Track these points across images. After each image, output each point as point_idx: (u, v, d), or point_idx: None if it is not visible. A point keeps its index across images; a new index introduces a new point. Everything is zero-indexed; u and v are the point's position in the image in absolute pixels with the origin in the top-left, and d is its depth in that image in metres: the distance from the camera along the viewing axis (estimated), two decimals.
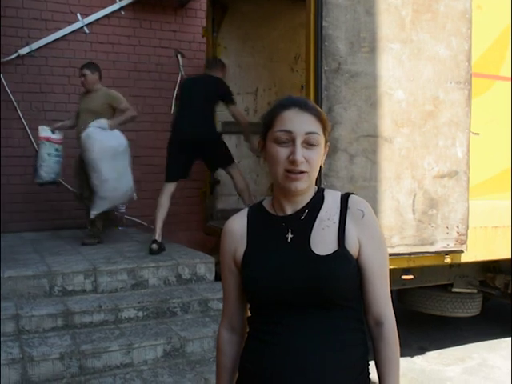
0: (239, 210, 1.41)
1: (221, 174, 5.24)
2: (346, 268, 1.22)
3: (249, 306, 1.33)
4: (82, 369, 2.81)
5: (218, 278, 3.79)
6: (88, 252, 4.06)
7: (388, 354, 1.27)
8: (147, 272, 3.64)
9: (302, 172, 1.21)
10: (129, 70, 5.80)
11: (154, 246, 4.02)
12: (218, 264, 3.54)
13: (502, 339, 4.57)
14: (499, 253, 3.73)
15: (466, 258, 3.53)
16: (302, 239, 1.25)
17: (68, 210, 5.29)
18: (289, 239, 1.26)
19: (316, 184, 1.32)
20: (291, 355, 1.20)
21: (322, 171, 2.99)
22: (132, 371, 2.91)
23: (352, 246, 1.24)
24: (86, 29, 5.60)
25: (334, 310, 1.22)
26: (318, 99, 3.03)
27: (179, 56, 5.97)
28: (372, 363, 1.27)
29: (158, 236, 4.14)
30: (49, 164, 4.62)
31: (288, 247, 1.25)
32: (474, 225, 3.46)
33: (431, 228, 3.31)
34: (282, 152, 1.21)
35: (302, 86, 5.25)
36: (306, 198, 1.29)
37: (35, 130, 4.88)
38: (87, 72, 4.48)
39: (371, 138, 3.17)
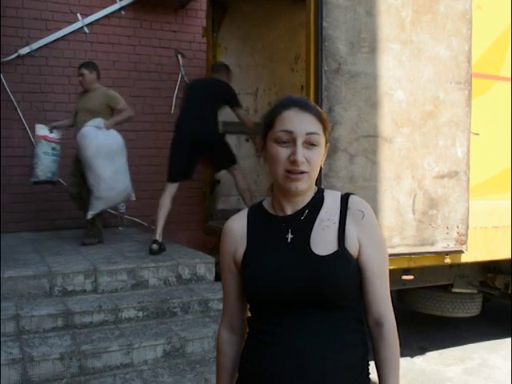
0: (239, 210, 1.41)
1: (221, 174, 5.25)
2: (345, 268, 1.22)
3: (249, 306, 1.33)
4: (82, 369, 2.81)
5: (218, 278, 3.79)
6: (88, 252, 4.06)
7: (388, 354, 1.27)
8: (147, 272, 3.64)
9: (302, 172, 1.21)
10: (129, 70, 5.81)
11: (155, 246, 4.02)
12: (218, 264, 3.54)
13: (502, 339, 4.56)
14: (499, 253, 3.73)
15: (466, 258, 3.53)
16: (302, 239, 1.25)
17: (68, 210, 5.29)
18: (289, 239, 1.26)
19: (316, 184, 1.32)
20: (291, 356, 1.20)
21: (323, 171, 2.99)
22: (132, 371, 2.91)
23: (352, 247, 1.24)
24: (86, 29, 5.60)
25: (334, 311, 1.22)
26: (318, 99, 3.03)
27: (179, 56, 5.98)
28: (372, 363, 1.27)
29: (158, 236, 4.14)
30: (45, 163, 4.59)
31: (288, 247, 1.25)
32: (474, 225, 3.46)
33: (431, 228, 3.31)
34: (283, 152, 1.21)
35: (302, 87, 5.25)
36: (306, 198, 1.29)
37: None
38: (85, 71, 4.48)
39: (371, 138, 3.17)
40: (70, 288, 3.42)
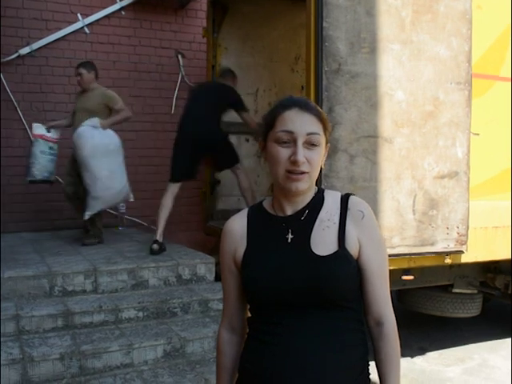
0: (239, 210, 1.41)
1: (221, 174, 5.26)
2: (346, 268, 1.22)
3: (249, 306, 1.33)
4: (82, 369, 2.81)
5: (218, 278, 3.79)
6: (88, 252, 4.06)
7: (389, 353, 1.27)
8: (147, 272, 3.65)
9: (303, 172, 1.21)
10: (129, 71, 5.81)
11: (155, 246, 4.02)
12: (218, 264, 3.54)
13: (503, 340, 4.56)
14: (499, 253, 3.73)
15: (466, 258, 3.53)
16: (302, 239, 1.25)
17: (68, 210, 5.28)
18: (289, 239, 1.26)
19: (316, 184, 1.32)
20: (291, 356, 1.20)
21: (323, 172, 2.99)
22: (132, 371, 2.91)
23: (352, 247, 1.24)
24: (86, 29, 5.60)
25: (334, 311, 1.22)
26: (319, 100, 3.03)
27: (179, 56, 5.98)
28: (372, 363, 1.27)
29: (159, 236, 4.14)
30: (42, 162, 4.57)
31: (288, 247, 1.25)
32: (474, 225, 3.46)
33: (431, 228, 3.31)
34: (283, 152, 1.21)
35: (302, 87, 5.26)
36: (307, 198, 1.29)
37: None
38: (83, 71, 4.47)
39: (371, 139, 3.17)
40: (70, 288, 3.42)
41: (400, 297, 4.53)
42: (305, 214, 1.28)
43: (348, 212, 1.27)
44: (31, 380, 2.71)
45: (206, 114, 4.27)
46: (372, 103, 3.15)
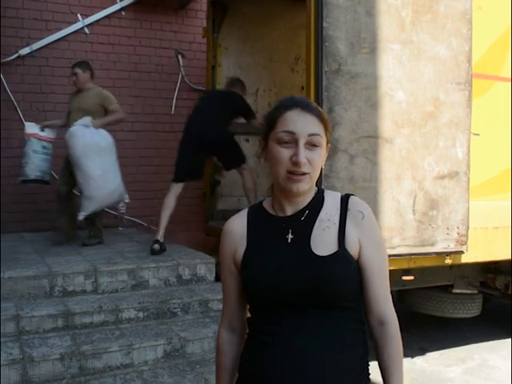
0: (240, 210, 1.41)
1: (222, 174, 5.26)
2: (346, 269, 1.22)
3: (248, 306, 1.33)
4: (83, 369, 2.81)
5: (218, 278, 3.79)
6: (88, 252, 4.07)
7: (391, 352, 1.27)
8: (147, 272, 3.64)
9: (304, 173, 1.21)
10: (129, 71, 5.81)
11: (156, 246, 4.02)
12: (218, 264, 3.54)
13: (503, 340, 4.56)
14: (499, 254, 3.73)
15: (466, 258, 3.53)
16: (302, 240, 1.25)
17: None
18: (289, 240, 1.26)
19: (316, 185, 1.32)
20: (291, 356, 1.20)
21: (323, 172, 2.99)
22: (132, 372, 2.91)
23: (352, 247, 1.24)
24: (86, 29, 5.60)
25: (334, 311, 1.22)
26: (319, 100, 3.03)
27: (180, 56, 5.98)
28: (372, 364, 1.27)
29: (160, 236, 4.14)
30: (35, 161, 4.55)
31: (288, 248, 1.25)
32: (474, 226, 3.46)
33: (432, 229, 3.31)
34: (285, 153, 1.21)
35: (302, 87, 5.26)
36: (307, 198, 1.29)
37: None
38: (78, 71, 4.45)
39: (371, 139, 3.17)
40: (70, 288, 3.42)
41: (400, 297, 4.53)
42: (305, 215, 1.28)
43: (348, 212, 1.27)
44: (31, 380, 2.71)
45: (212, 115, 4.30)
46: (372, 103, 3.15)
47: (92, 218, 4.46)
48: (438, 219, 3.32)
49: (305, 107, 1.22)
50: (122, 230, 5.46)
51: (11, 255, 3.89)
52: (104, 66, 5.63)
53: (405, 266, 3.43)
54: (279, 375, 1.20)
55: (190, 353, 3.09)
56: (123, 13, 5.79)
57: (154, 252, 3.98)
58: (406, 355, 4.03)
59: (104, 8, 5.68)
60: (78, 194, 4.43)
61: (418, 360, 4.16)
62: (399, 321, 1.30)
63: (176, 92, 5.97)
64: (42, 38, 5.39)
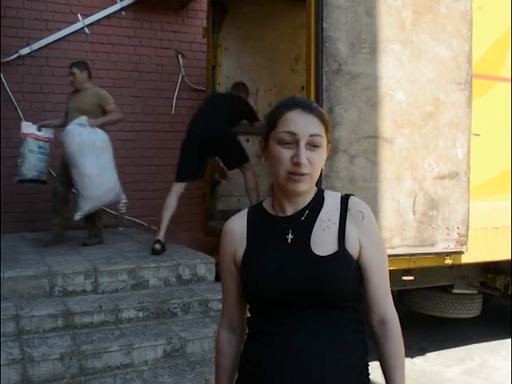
0: (240, 210, 1.41)
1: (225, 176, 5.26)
2: (346, 269, 1.22)
3: (248, 306, 1.33)
4: (83, 369, 2.81)
5: (218, 278, 3.79)
6: (88, 252, 4.07)
7: (393, 350, 1.28)
8: (147, 272, 3.64)
9: (304, 174, 1.21)
10: (129, 71, 5.81)
11: (158, 246, 4.02)
12: (218, 265, 3.54)
13: (502, 340, 4.56)
14: (499, 254, 3.73)
15: (466, 259, 3.53)
16: (302, 240, 1.25)
17: (68, 210, 5.29)
18: (289, 240, 1.26)
19: (316, 185, 1.32)
20: (291, 356, 1.20)
21: (323, 172, 2.98)
22: (132, 371, 2.91)
23: (352, 247, 1.24)
24: (86, 29, 5.61)
25: (334, 311, 1.22)
26: (319, 100, 3.03)
27: (180, 56, 5.98)
28: (372, 364, 1.27)
29: (162, 236, 4.13)
30: (31, 161, 4.53)
31: (288, 248, 1.25)
32: (474, 226, 3.46)
33: (432, 229, 3.31)
34: (285, 153, 1.21)
35: (302, 87, 5.26)
36: (307, 198, 1.29)
37: None
38: (76, 71, 4.44)
39: (372, 139, 3.17)
40: (70, 288, 3.42)
41: (400, 297, 4.53)
42: (305, 215, 1.28)
43: (348, 212, 1.27)
44: (31, 380, 2.71)
45: (218, 114, 4.33)
46: (372, 104, 3.15)
47: (92, 218, 4.47)
48: (438, 219, 3.32)
49: (306, 108, 1.22)
50: (122, 230, 5.46)
51: (11, 255, 3.89)
52: (104, 65, 5.63)
53: (405, 266, 3.43)
54: (279, 375, 1.20)
55: (190, 353, 3.09)
56: (123, 13, 5.79)
57: (155, 252, 3.98)
58: (405, 355, 4.01)
59: (104, 8, 5.68)
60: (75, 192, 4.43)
61: (418, 360, 4.16)
62: (399, 321, 1.31)
63: (176, 92, 5.97)
64: (42, 38, 5.40)
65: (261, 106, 5.55)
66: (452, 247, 3.38)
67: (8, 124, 5.25)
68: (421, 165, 3.29)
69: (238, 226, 1.33)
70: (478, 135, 3.52)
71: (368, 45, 3.13)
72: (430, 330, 4.84)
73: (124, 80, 5.73)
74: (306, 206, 1.28)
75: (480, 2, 3.50)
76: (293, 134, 1.20)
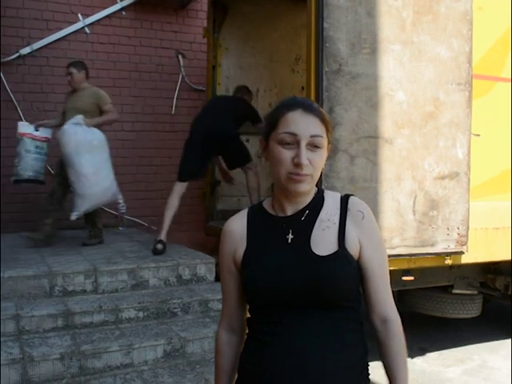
0: (240, 210, 1.41)
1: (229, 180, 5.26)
2: (346, 268, 1.22)
3: (248, 306, 1.33)
4: (83, 369, 2.81)
5: (218, 278, 3.76)
6: (88, 252, 4.07)
7: (396, 349, 1.27)
8: (147, 272, 3.64)
9: (305, 174, 1.21)
10: (129, 71, 5.81)
11: (159, 245, 4.02)
12: (218, 265, 3.54)
13: (502, 340, 4.56)
14: (499, 254, 3.73)
15: (466, 259, 3.53)
16: (302, 240, 1.25)
17: (68, 210, 5.29)
18: (289, 240, 1.26)
19: (317, 185, 1.32)
20: (291, 356, 1.20)
21: (323, 172, 2.99)
22: (132, 371, 2.91)
23: (352, 247, 1.25)
24: (86, 29, 5.60)
25: (334, 311, 1.22)
26: (319, 100, 3.03)
27: (180, 56, 5.98)
28: (372, 364, 1.27)
29: (163, 236, 4.13)
30: (28, 161, 4.51)
31: (288, 248, 1.25)
32: (474, 226, 3.46)
33: (432, 229, 3.31)
34: (286, 154, 1.21)
35: (302, 87, 5.26)
36: (307, 198, 1.29)
37: None
38: (73, 70, 4.44)
39: (372, 139, 3.17)
40: (70, 288, 3.42)
41: (400, 297, 4.53)
42: (305, 215, 1.28)
43: (348, 212, 1.28)
44: (31, 380, 2.71)
45: (222, 113, 4.36)
46: (372, 104, 3.15)
47: (92, 218, 4.47)
48: (438, 220, 3.32)
49: (307, 108, 1.22)
50: (122, 230, 5.46)
51: (11, 255, 3.89)
52: (104, 65, 5.63)
53: (405, 266, 3.43)
54: (279, 375, 1.20)
55: (190, 353, 3.10)
56: (124, 13, 5.79)
57: (157, 252, 3.98)
58: None
59: (104, 8, 5.68)
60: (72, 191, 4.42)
61: (418, 360, 4.16)
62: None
63: (176, 92, 5.97)
64: (42, 38, 5.39)
65: (261, 106, 5.54)
66: (452, 247, 3.38)
67: (8, 124, 5.24)
68: (421, 165, 3.29)
69: (237, 226, 1.33)
70: (479, 135, 3.52)
71: (368, 45, 3.13)
72: (430, 331, 4.84)
73: (124, 80, 5.73)
74: (306, 206, 1.28)
75: (480, 2, 3.50)
76: (294, 134, 1.20)
